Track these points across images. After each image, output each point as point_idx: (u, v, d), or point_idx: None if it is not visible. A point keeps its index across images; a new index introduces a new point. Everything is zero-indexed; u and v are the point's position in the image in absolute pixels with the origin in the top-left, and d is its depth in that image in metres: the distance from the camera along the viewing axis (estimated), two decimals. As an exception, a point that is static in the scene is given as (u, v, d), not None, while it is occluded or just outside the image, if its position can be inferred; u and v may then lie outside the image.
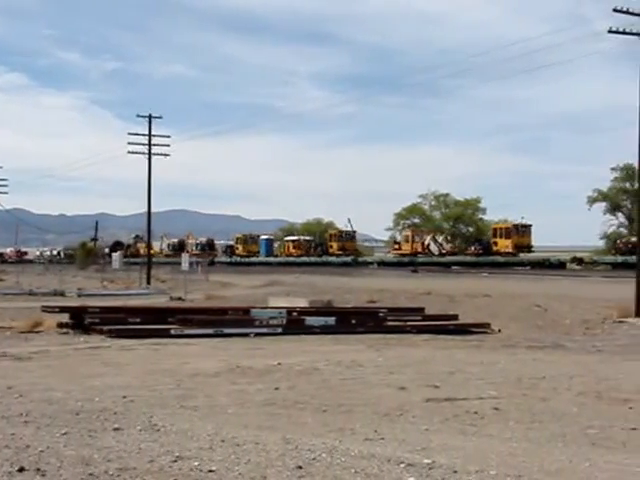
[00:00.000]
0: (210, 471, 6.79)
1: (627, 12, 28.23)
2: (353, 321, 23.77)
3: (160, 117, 60.28)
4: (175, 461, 7.07)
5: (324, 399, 10.82)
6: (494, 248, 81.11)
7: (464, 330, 23.61)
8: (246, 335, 20.98)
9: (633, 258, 67.20)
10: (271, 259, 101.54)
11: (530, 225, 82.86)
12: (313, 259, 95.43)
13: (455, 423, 9.30)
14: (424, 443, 8.01)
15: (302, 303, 28.49)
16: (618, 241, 76.73)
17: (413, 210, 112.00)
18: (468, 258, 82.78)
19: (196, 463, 6.99)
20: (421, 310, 27.44)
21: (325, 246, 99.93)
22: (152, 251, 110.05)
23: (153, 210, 61.52)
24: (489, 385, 12.19)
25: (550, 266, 70.95)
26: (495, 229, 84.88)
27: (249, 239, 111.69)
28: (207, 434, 8.20)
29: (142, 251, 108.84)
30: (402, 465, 6.98)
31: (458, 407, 10.27)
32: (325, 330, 22.40)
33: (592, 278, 52.88)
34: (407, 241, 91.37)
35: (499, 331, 23.74)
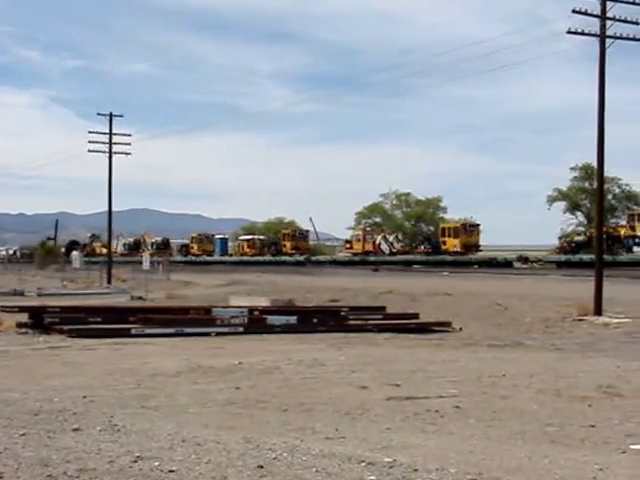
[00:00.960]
0: (170, 471, 6.75)
1: (585, 13, 28.49)
2: (315, 320, 23.79)
3: (121, 116, 59.82)
4: (135, 461, 7.03)
5: (285, 398, 10.80)
6: (443, 247, 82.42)
7: (425, 329, 23.71)
8: (207, 334, 20.91)
9: (576, 257, 70.49)
10: (226, 258, 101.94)
11: (478, 225, 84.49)
12: (267, 258, 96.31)
13: (416, 421, 9.33)
14: (385, 442, 8.02)
15: (263, 302, 28.47)
16: (562, 240, 78.29)
17: (374, 209, 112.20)
18: (418, 257, 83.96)
19: (156, 463, 6.95)
20: (382, 309, 27.54)
21: (279, 245, 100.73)
22: (106, 251, 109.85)
23: (114, 209, 61.05)
24: (450, 383, 12.24)
25: (497, 264, 72.36)
26: (444, 228, 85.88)
27: (204, 238, 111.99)
28: (168, 434, 8.15)
29: (98, 250, 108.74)
30: (363, 464, 6.99)
31: (419, 405, 10.30)
32: (287, 329, 22.39)
33: (552, 277, 53.34)
34: (358, 240, 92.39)
35: (460, 330, 23.86)
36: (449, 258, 78.84)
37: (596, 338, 21.99)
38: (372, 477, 6.63)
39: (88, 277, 57.21)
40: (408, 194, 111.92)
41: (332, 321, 23.92)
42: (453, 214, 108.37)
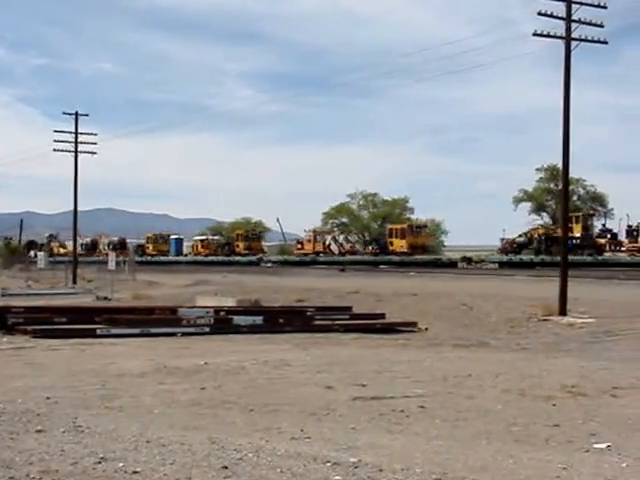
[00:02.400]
0: (135, 472, 6.71)
1: (551, 16, 28.71)
2: (281, 320, 23.78)
3: (87, 115, 59.37)
4: (99, 462, 6.97)
5: (251, 399, 10.78)
6: (390, 248, 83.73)
7: (391, 329, 23.78)
8: (173, 335, 20.83)
9: (517, 257, 72.89)
10: (180, 258, 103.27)
11: (425, 226, 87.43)
12: (220, 258, 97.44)
13: (381, 422, 9.34)
14: (350, 442, 8.02)
15: (230, 302, 28.43)
16: (504, 241, 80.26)
17: (341, 210, 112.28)
18: (366, 257, 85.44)
19: (121, 464, 6.90)
20: (349, 309, 27.56)
21: (232, 246, 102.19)
22: (64, 250, 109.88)
23: (80, 209, 60.62)
24: (415, 383, 12.28)
25: (442, 265, 73.82)
26: (391, 230, 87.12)
27: (159, 238, 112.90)
28: (132, 435, 8.10)
29: (56, 250, 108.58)
30: (328, 464, 6.98)
31: (385, 406, 10.32)
32: (253, 329, 22.36)
33: (517, 277, 53.62)
34: (309, 241, 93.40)
35: (426, 330, 23.95)
36: (396, 259, 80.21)
37: (561, 338, 22.17)
38: (337, 477, 6.62)
39: (53, 277, 56.77)
40: (375, 194, 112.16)
41: (298, 321, 23.93)
42: (420, 214, 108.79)
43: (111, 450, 7.41)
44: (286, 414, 9.72)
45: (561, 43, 28.85)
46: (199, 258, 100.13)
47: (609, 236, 70.83)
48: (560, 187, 41.46)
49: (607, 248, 69.49)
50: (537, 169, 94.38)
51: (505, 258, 74.00)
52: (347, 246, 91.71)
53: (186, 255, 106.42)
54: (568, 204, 34.48)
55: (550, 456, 7.57)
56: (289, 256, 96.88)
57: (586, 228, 71.05)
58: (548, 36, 29.00)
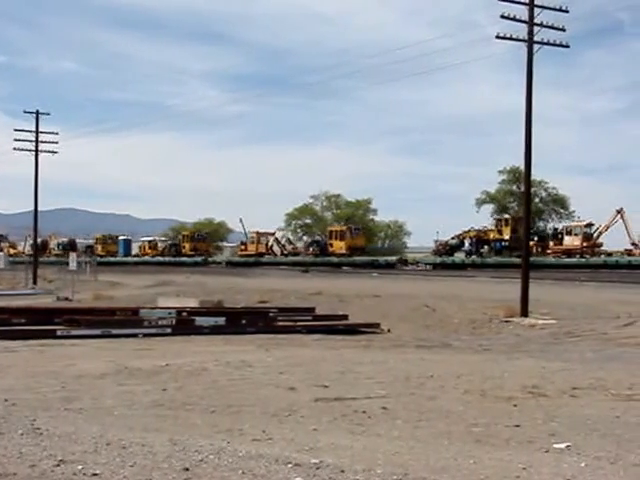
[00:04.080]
0: (94, 475, 6.64)
1: (514, 19, 28.94)
2: (243, 321, 23.74)
3: (48, 114, 58.90)
4: (58, 465, 6.89)
5: (213, 400, 10.73)
6: (330, 249, 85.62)
7: (354, 330, 23.82)
8: (135, 336, 20.72)
9: (450, 259, 75.85)
10: (128, 259, 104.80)
11: (364, 228, 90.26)
12: (167, 259, 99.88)
13: (343, 423, 9.33)
14: (312, 443, 8.01)
15: (192, 303, 28.31)
16: (437, 243, 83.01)
17: (304, 210, 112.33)
18: (307, 258, 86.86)
19: (80, 467, 6.83)
20: (311, 310, 27.57)
21: (179, 247, 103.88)
22: (13, 251, 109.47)
23: (40, 208, 60.14)
24: (378, 384, 12.29)
25: (379, 266, 75.92)
26: (330, 231, 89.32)
27: (108, 239, 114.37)
28: (92, 437, 8.02)
29: (6, 251, 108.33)
30: (290, 465, 6.96)
31: (347, 407, 10.31)
32: (215, 330, 22.30)
33: (480, 278, 53.98)
34: (252, 242, 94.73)
35: (388, 331, 24.01)
36: (335, 260, 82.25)
37: (522, 339, 22.33)
38: (299, 478, 6.61)
39: (13, 278, 56.24)
40: (338, 195, 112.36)
41: (261, 322, 23.89)
42: (383, 216, 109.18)
43: (70, 452, 7.34)
44: (248, 415, 9.69)
45: (524, 46, 29.10)
46: (146, 258, 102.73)
47: (536, 239, 73.13)
48: (522, 189, 41.76)
49: (534, 250, 71.11)
50: (500, 171, 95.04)
51: (438, 260, 77.22)
52: (289, 247, 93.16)
53: (134, 256, 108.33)
54: (530, 206, 34.72)
55: (510, 456, 7.60)
56: (232, 257, 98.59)
57: (515, 231, 73.15)
58: (511, 39, 29.23)
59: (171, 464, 6.96)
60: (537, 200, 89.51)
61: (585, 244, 68.35)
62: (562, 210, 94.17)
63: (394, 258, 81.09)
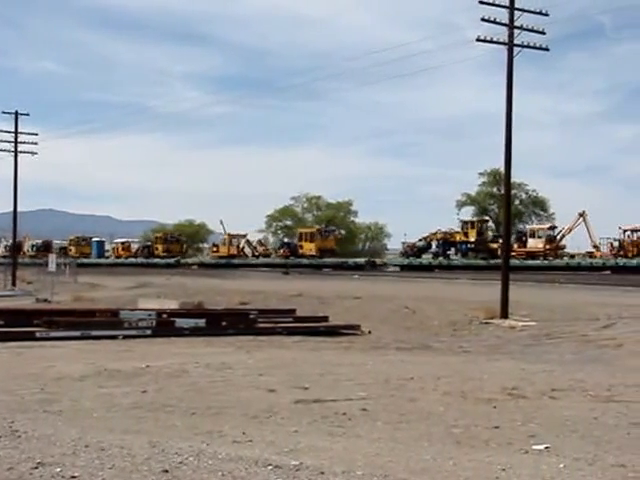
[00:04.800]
0: (73, 477, 6.60)
1: (494, 22, 29.04)
2: (224, 323, 23.67)
3: (27, 114, 58.58)
4: (36, 467, 6.85)
5: (193, 402, 10.70)
6: (300, 251, 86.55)
7: (334, 332, 23.82)
8: (115, 337, 20.64)
9: (417, 260, 76.98)
10: (102, 260, 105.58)
11: (333, 230, 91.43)
12: (140, 260, 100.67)
13: (323, 424, 9.33)
14: (292, 445, 8.00)
15: (172, 305, 28.23)
16: (405, 245, 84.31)
17: (285, 212, 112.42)
18: (277, 260, 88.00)
19: (58, 469, 6.79)
20: (292, 312, 27.53)
21: (151, 248, 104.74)
22: None
23: (20, 210, 59.78)
24: (358, 386, 12.29)
25: (348, 268, 77.40)
26: (301, 233, 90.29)
27: (81, 241, 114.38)
28: (71, 439, 7.98)
29: None
30: (269, 467, 6.95)
31: (327, 408, 10.31)
32: (195, 332, 22.25)
33: (459, 280, 54.09)
34: (224, 244, 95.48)
35: (369, 333, 24.01)
36: (305, 261, 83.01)
37: (502, 341, 22.40)
38: (278, 480, 6.60)
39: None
40: (319, 197, 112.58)
41: (241, 324, 23.84)
42: (364, 218, 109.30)
43: (49, 455, 7.29)
44: (228, 417, 9.67)
45: (504, 49, 29.20)
46: (119, 260, 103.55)
47: (501, 241, 73.64)
48: (502, 191, 41.93)
49: (499, 252, 72.73)
50: (480, 173, 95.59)
51: (406, 261, 78.66)
52: (260, 249, 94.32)
53: (107, 257, 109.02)
54: (510, 208, 34.85)
55: (490, 457, 7.63)
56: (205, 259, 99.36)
57: (480, 233, 75.76)
58: (491, 42, 29.34)
59: (150, 466, 6.93)
60: (517, 202, 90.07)
61: (548, 246, 69.49)
62: (542, 212, 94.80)
63: (363, 260, 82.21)
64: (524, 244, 72.32)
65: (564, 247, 71.79)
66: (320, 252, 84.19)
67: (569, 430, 9.11)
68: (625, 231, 67.34)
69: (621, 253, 66.02)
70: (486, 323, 26.35)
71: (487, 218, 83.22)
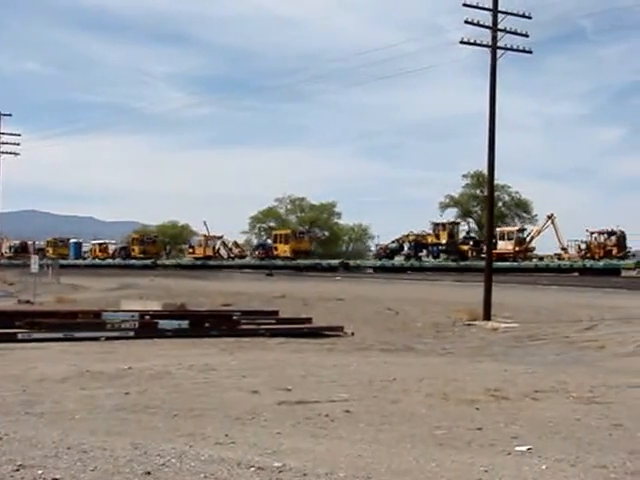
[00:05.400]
0: (54, 479, 6.57)
1: (478, 24, 29.13)
2: (207, 324, 23.63)
3: (10, 115, 58.51)
4: (17, 470, 6.80)
5: (175, 403, 10.68)
6: (275, 252, 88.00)
7: (318, 333, 23.80)
8: (97, 339, 20.56)
9: (390, 262, 78.52)
10: (79, 261, 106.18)
11: (308, 231, 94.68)
12: (117, 262, 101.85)
13: (306, 426, 9.33)
14: (275, 446, 7.99)
15: (155, 306, 28.16)
16: (378, 247, 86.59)
17: (269, 213, 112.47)
18: (253, 261, 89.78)
19: (40, 471, 6.75)
20: (275, 313, 27.49)
21: (128, 249, 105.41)
22: None
23: (2, 210, 59.64)
24: (341, 388, 12.30)
25: (322, 269, 79.05)
26: (275, 235, 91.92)
27: (59, 242, 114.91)
28: (52, 441, 7.94)
29: None
30: (252, 469, 6.94)
31: (310, 410, 10.31)
32: (178, 333, 22.19)
33: (443, 282, 54.22)
34: (200, 245, 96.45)
35: (352, 334, 24.02)
36: (280, 262, 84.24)
37: (485, 342, 22.47)
38: (261, 482, 6.59)
39: (-27, 280, 55.62)
40: (303, 199, 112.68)
41: (224, 325, 23.79)
42: (348, 219, 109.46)
43: (30, 457, 7.25)
44: (211, 419, 9.66)
45: (488, 51, 29.30)
46: (96, 261, 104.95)
47: (471, 243, 76.79)
48: (485, 193, 42.06)
49: (470, 254, 75.23)
50: (463, 175, 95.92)
51: (378, 263, 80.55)
52: (236, 250, 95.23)
53: (85, 258, 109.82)
54: (493, 210, 34.96)
55: (472, 459, 7.64)
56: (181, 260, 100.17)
57: (451, 235, 77.53)
58: (475, 44, 29.45)
59: (132, 468, 6.91)
60: (500, 204, 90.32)
61: (517, 248, 70.48)
62: (525, 214, 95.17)
63: (337, 261, 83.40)
64: (494, 246, 73.22)
65: (533, 249, 73.22)
66: (294, 253, 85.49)
67: (551, 431, 9.15)
68: (592, 233, 69.64)
69: (588, 255, 67.86)
70: (469, 325, 26.42)
71: (458, 220, 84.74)
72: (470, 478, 6.95)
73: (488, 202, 32.60)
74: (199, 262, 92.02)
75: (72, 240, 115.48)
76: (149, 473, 6.76)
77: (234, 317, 25.07)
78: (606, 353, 19.71)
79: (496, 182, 37.92)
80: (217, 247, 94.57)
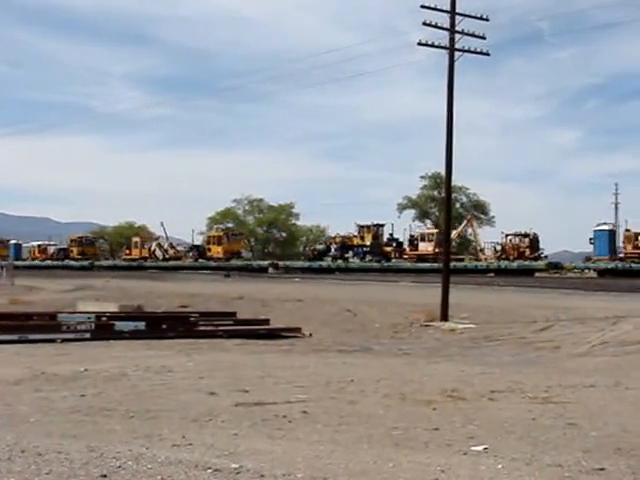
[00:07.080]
0: (8, 483, 6.50)
1: (435, 26, 29.26)
2: (164, 326, 23.52)
3: (-36, 114, 57.66)
4: (-30, 474, 6.73)
5: (132, 405, 10.61)
6: (208, 254, 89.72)
7: (275, 335, 23.78)
8: (53, 341, 20.36)
9: (317, 263, 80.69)
10: (19, 262, 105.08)
11: (241, 233, 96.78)
12: (55, 263, 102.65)
13: (264, 427, 9.31)
14: (232, 448, 7.97)
15: (112, 308, 27.95)
16: (308, 248, 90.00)
17: (227, 215, 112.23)
18: (187, 263, 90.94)
19: (-7, 475, 6.68)
20: (233, 315, 27.43)
21: (67, 251, 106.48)
22: None
23: (-46, 211, 58.79)
24: (298, 389, 12.29)
25: (252, 270, 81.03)
26: (209, 237, 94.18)
27: None
28: (6, 444, 7.84)
29: None
30: (209, 470, 6.91)
31: (267, 411, 10.30)
32: (135, 335, 22.05)
33: (402, 283, 54.46)
34: (136, 247, 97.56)
35: (310, 335, 24.02)
36: (213, 264, 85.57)
37: (442, 343, 22.58)
38: (218, 484, 6.57)
39: None
40: (261, 200, 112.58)
41: (181, 327, 23.69)
42: (307, 220, 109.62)
43: (-17, 460, 7.17)
44: (167, 421, 9.60)
45: (445, 53, 29.45)
46: (35, 262, 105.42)
47: (395, 244, 79.38)
48: (443, 194, 42.31)
49: (393, 255, 78.11)
50: (421, 176, 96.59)
51: (307, 264, 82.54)
52: (171, 252, 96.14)
53: (24, 260, 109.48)
54: (451, 211, 35.14)
55: (429, 459, 7.67)
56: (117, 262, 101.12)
57: (376, 237, 80.00)
58: (432, 46, 29.57)
59: (88, 471, 6.85)
60: (458, 205, 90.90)
61: (437, 250, 71.24)
62: (482, 215, 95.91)
63: (266, 262, 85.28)
64: (416, 247, 76.34)
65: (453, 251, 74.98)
66: (227, 255, 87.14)
67: (507, 431, 9.21)
68: (507, 235, 72.52)
69: (503, 256, 70.69)
70: (426, 326, 26.54)
71: (383, 222, 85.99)
72: (427, 478, 6.97)
73: (446, 203, 32.78)
74: (135, 263, 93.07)
75: (12, 241, 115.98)
76: (105, 476, 6.70)
77: (191, 318, 24.99)
78: (561, 353, 19.91)
79: (454, 183, 38.12)
80: (153, 248, 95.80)
